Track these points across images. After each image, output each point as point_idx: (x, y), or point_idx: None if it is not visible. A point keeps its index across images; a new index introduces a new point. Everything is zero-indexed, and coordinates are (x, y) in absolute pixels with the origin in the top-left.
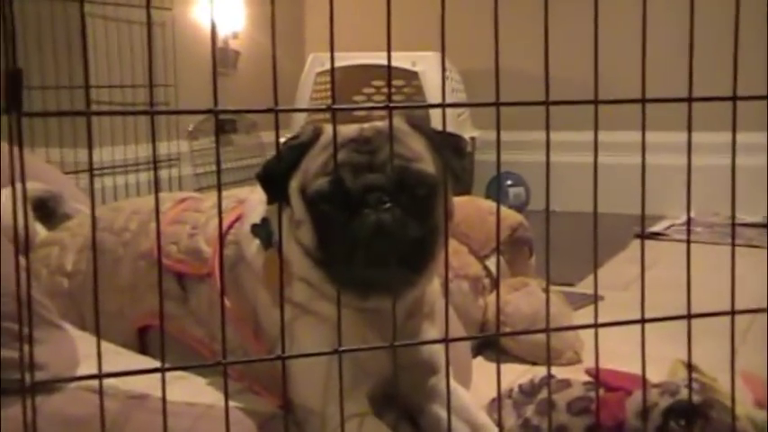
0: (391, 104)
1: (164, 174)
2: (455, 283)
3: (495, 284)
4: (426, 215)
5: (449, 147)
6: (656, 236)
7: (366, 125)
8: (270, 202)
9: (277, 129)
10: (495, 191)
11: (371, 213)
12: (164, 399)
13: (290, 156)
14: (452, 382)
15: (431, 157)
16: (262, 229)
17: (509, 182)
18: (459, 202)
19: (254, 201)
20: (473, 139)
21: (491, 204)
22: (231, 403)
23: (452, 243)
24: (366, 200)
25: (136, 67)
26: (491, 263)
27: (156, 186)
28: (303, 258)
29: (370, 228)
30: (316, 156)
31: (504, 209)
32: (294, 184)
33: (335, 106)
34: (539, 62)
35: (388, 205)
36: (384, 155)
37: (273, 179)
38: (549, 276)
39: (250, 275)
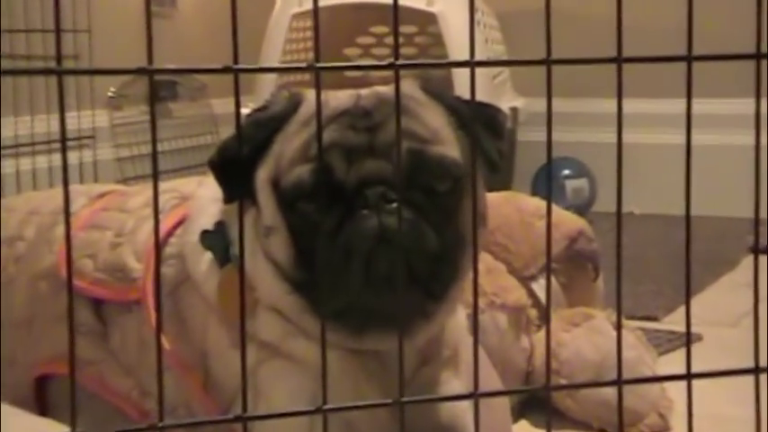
0: (399, 62)
1: (71, 157)
2: (489, 316)
3: (546, 318)
4: (448, 219)
5: (480, 122)
6: None
7: (364, 91)
8: (228, 200)
9: (237, 95)
10: (546, 185)
11: (371, 216)
12: None
13: (257, 134)
14: None
15: (454, 136)
16: (215, 238)
17: (566, 171)
18: (494, 200)
19: (204, 198)
20: (515, 110)
21: (540, 204)
22: None
23: (485, 258)
24: (364, 197)
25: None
26: (540, 287)
27: (65, 175)
28: (274, 279)
29: (368, 236)
30: (292, 135)
31: (558, 210)
32: (262, 175)
33: (320, 64)
34: (606, 2)
35: (394, 205)
36: (389, 134)
37: (232, 167)
38: (622, 306)
39: (198, 303)
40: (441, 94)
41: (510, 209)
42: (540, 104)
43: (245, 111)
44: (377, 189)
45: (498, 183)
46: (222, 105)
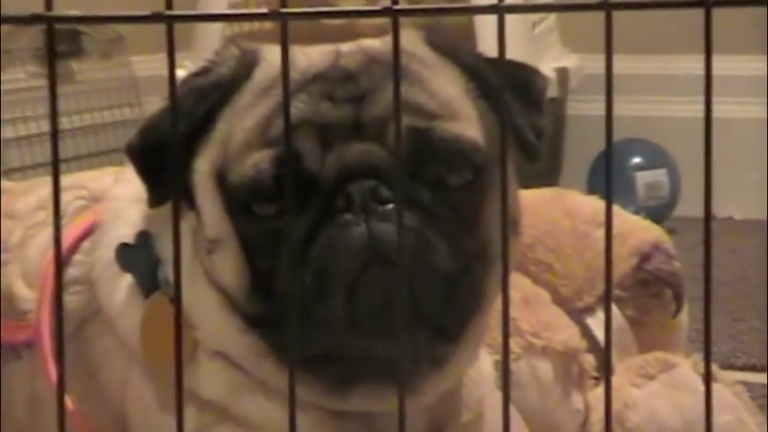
0: (397, 5)
1: None
2: (526, 364)
3: (605, 367)
4: (466, 226)
5: (511, 89)
6: None
7: (346, 47)
8: (155, 201)
9: (171, 52)
10: (606, 177)
11: (357, 222)
12: None
13: (195, 108)
14: None
15: (474, 109)
16: (137, 256)
17: (637, 160)
18: (533, 200)
19: (121, 198)
20: (563, 72)
21: (598, 206)
22: None
23: (520, 283)
24: (347, 195)
25: None
26: (599, 323)
27: None
28: (221, 313)
29: (354, 251)
30: (245, 109)
31: (625, 215)
32: (204, 167)
33: (286, 9)
34: None
35: (389, 206)
36: (381, 106)
37: (161, 156)
38: (712, 351)
39: (113, 347)
40: (455, 50)
41: (556, 212)
42: (599, 63)
43: (179, 74)
44: (365, 184)
45: (539, 175)
46: (146, 65)
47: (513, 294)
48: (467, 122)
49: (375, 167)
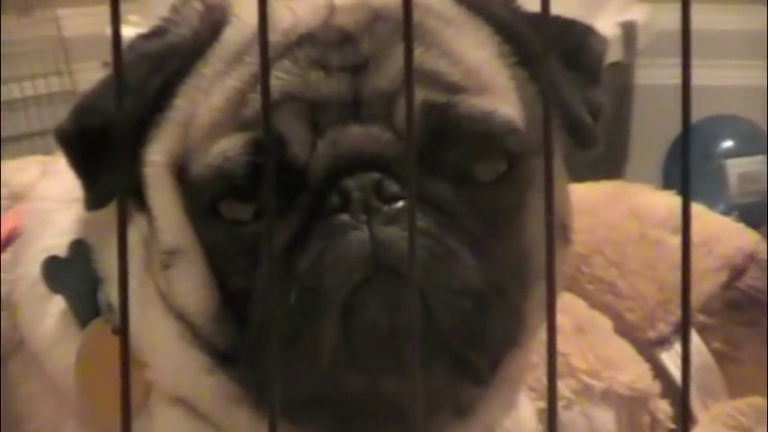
0: None
1: None
2: (580, 412)
3: (682, 415)
4: (499, 232)
5: (559, 55)
6: None
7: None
8: (94, 203)
9: (115, 6)
10: (683, 166)
11: (356, 226)
12: None
13: (147, 81)
14: None
15: (509, 79)
16: (71, 272)
17: (727, 144)
18: (590, 197)
19: (49, 197)
20: (629, 28)
21: (674, 204)
22: None
23: (572, 306)
24: (343, 192)
25: None
26: (674, 357)
27: None
28: (181, 347)
29: (352, 263)
30: (211, 81)
31: (711, 216)
32: (158, 157)
33: None
34: None
35: (399, 205)
36: (388, 76)
37: (101, 143)
38: None
39: (39, 389)
40: (484, 3)
41: (620, 214)
42: (677, 15)
43: (125, 34)
44: (366, 177)
45: (597, 165)
46: (77, 22)
47: (563, 321)
48: (500, 96)
49: (380, 156)
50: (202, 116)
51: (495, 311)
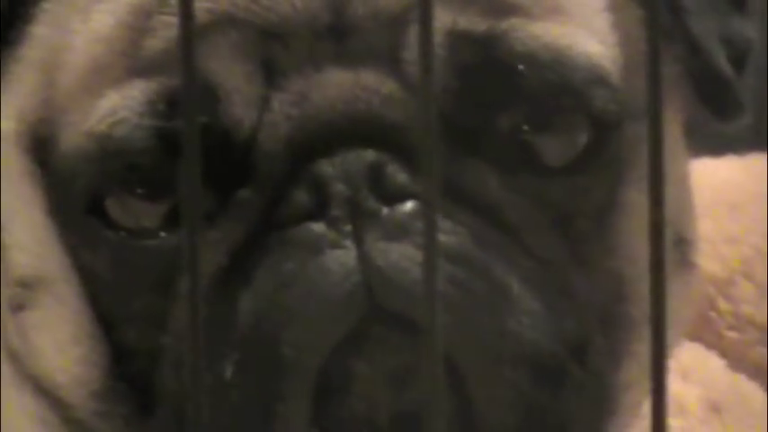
0: None
1: None
2: None
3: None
4: (578, 249)
5: None
6: None
7: None
8: None
9: None
10: None
11: (337, 240)
12: None
13: None
14: None
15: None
16: None
17: None
18: (728, 185)
19: None
20: None
21: None
22: None
23: (703, 366)
24: (316, 183)
25: None
26: None
27: None
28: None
29: (331, 303)
30: (85, 7)
31: None
32: (4, 123)
33: None
34: None
35: (409, 205)
36: None
37: None
38: None
39: None
40: None
41: None
42: None
43: None
44: (354, 159)
45: (739, 135)
46: None
47: (686, 394)
48: (580, 23)
49: (377, 122)
50: (77, 53)
51: (571, 388)
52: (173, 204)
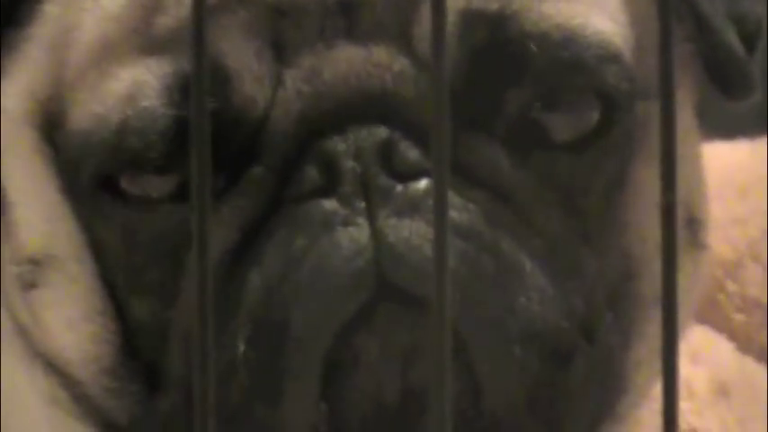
0: None
1: None
2: None
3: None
4: (588, 228)
5: None
6: None
7: None
8: None
9: None
10: None
11: (349, 217)
12: None
13: None
14: None
15: None
16: None
17: None
18: (740, 168)
19: None
20: None
21: None
22: None
23: (713, 349)
24: (327, 159)
25: None
26: None
27: None
28: (53, 416)
29: (342, 279)
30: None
31: None
32: (13, 102)
33: None
34: None
35: (422, 183)
36: None
37: None
38: None
39: None
40: None
41: None
42: None
43: None
44: (366, 135)
45: (751, 117)
46: None
47: (694, 377)
48: (592, 3)
49: (388, 98)
50: (87, 31)
51: (580, 366)
52: (184, 176)
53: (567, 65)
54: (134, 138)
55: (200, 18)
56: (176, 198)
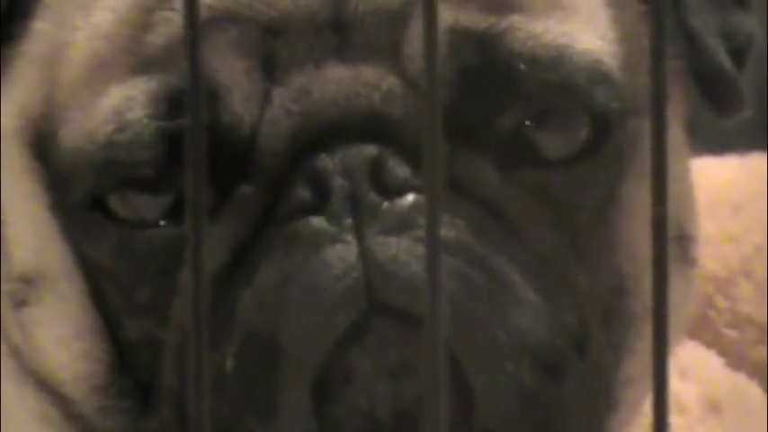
0: None
1: None
2: None
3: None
4: (579, 245)
5: None
6: None
7: None
8: None
9: None
10: None
11: (338, 235)
12: None
13: None
14: None
15: None
16: None
17: None
18: (730, 183)
19: None
20: None
21: None
22: None
23: (703, 365)
24: (317, 177)
25: None
26: None
27: None
28: None
29: (332, 298)
30: (86, 3)
31: None
32: (5, 120)
33: None
34: None
35: (410, 199)
36: None
37: None
38: None
39: None
40: None
41: None
42: None
43: None
44: (355, 153)
45: (741, 131)
46: None
47: (685, 392)
48: (582, 19)
49: (378, 117)
50: (79, 49)
51: (572, 382)
52: (175, 196)
53: (556, 87)
54: (121, 151)
55: (194, 37)
56: (168, 218)
